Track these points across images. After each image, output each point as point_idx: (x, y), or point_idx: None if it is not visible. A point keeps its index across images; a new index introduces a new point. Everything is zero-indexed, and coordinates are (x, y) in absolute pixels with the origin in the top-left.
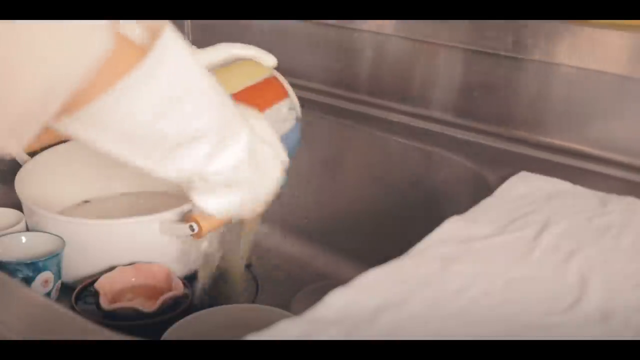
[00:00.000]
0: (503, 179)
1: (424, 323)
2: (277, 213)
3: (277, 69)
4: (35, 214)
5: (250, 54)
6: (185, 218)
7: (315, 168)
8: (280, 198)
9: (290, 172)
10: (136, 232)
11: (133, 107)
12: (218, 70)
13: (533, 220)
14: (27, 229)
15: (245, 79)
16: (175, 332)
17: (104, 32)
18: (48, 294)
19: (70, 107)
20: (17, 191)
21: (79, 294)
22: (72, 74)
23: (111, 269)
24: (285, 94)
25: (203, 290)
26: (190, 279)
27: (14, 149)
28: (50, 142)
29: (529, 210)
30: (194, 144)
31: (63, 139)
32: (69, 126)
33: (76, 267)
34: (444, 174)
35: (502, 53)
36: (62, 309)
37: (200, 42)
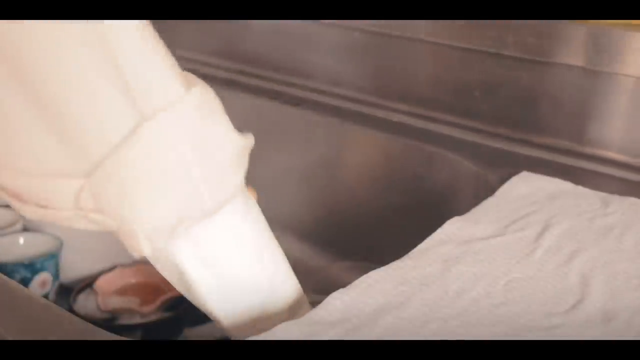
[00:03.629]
0: (504, 179)
1: (424, 324)
2: (277, 213)
3: (278, 68)
4: None
5: None
6: None
7: (315, 168)
8: (280, 198)
9: (291, 172)
10: None
11: None
12: None
13: (534, 220)
14: (25, 229)
15: None
16: None
17: None
18: (46, 295)
19: None
20: None
21: (78, 294)
22: None
23: (110, 269)
24: None
25: None
26: None
27: None
28: None
29: (531, 210)
30: None
31: None
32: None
33: (74, 268)
34: (444, 175)
35: (503, 53)
36: (60, 310)
37: (200, 42)
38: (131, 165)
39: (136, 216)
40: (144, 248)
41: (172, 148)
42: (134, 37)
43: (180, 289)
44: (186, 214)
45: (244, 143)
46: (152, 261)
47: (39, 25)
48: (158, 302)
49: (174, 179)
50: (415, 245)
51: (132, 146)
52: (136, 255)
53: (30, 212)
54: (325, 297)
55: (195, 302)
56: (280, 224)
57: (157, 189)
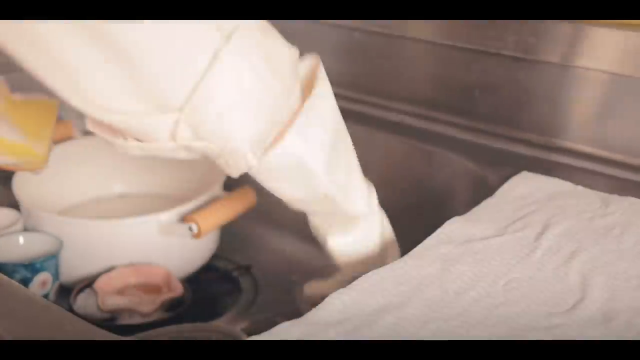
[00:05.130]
0: (504, 179)
1: (424, 324)
2: (277, 213)
3: None
4: (33, 214)
5: None
6: (185, 219)
7: None
8: (280, 198)
9: None
10: (135, 232)
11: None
12: None
13: (534, 220)
14: (25, 230)
15: None
16: None
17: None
18: (46, 295)
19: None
20: (14, 191)
21: (78, 294)
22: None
23: (110, 269)
24: None
25: None
26: (189, 280)
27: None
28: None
29: (530, 210)
30: None
31: (64, 139)
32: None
33: (74, 268)
34: (444, 175)
35: (503, 53)
36: (60, 310)
37: None
38: (221, 89)
39: (237, 134)
40: (250, 160)
41: (250, 66)
42: None
43: (295, 186)
44: (273, 124)
45: (294, 52)
46: (254, 173)
47: None
48: (158, 302)
49: (259, 94)
50: (415, 245)
51: (218, 72)
52: (237, 173)
53: (133, 148)
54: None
55: (310, 195)
56: (281, 224)
57: (249, 106)
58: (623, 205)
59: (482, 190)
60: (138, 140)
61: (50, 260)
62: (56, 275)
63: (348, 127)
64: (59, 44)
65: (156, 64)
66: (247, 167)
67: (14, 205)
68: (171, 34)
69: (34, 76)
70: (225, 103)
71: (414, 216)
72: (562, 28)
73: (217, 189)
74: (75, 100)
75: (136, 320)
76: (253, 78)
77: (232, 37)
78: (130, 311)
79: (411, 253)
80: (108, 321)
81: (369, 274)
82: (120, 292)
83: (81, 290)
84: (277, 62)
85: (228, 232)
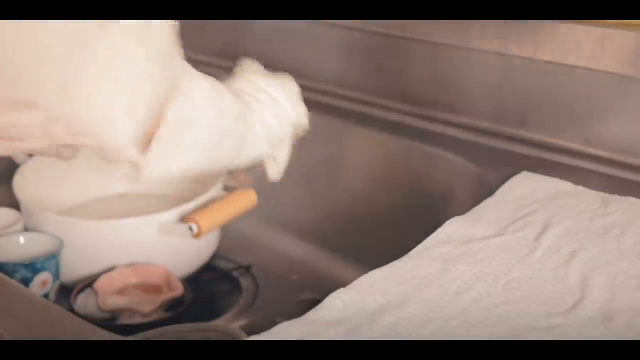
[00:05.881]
0: (504, 179)
1: (424, 324)
2: (277, 213)
3: (278, 68)
4: (34, 214)
5: None
6: (185, 219)
7: (315, 168)
8: (280, 198)
9: (290, 172)
10: (135, 232)
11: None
12: None
13: (534, 220)
14: (25, 229)
15: None
16: None
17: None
18: (46, 295)
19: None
20: (15, 191)
21: (78, 294)
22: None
23: (110, 269)
24: None
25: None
26: (189, 279)
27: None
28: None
29: (530, 210)
30: None
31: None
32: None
33: (75, 268)
34: (444, 174)
35: (503, 52)
36: (60, 310)
37: (200, 42)
38: (94, 80)
39: (112, 125)
40: (132, 153)
41: (124, 53)
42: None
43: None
44: (150, 108)
45: (168, 25)
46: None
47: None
48: (158, 302)
49: (132, 80)
50: (415, 245)
51: (89, 62)
52: (127, 171)
53: (4, 149)
54: (325, 297)
55: None
56: (281, 224)
57: (123, 93)
58: (623, 205)
59: (482, 190)
60: (11, 139)
61: (50, 260)
62: (56, 275)
63: (348, 127)
64: None
65: (26, 53)
66: (131, 161)
67: (14, 205)
68: (50, 29)
69: None
70: (98, 93)
71: (414, 216)
72: (562, 28)
73: (217, 189)
74: None
75: (136, 320)
76: (125, 63)
77: (108, 27)
78: (130, 311)
79: (411, 253)
80: (108, 321)
81: (369, 273)
82: (121, 292)
83: (81, 290)
84: (152, 42)
85: (228, 232)
